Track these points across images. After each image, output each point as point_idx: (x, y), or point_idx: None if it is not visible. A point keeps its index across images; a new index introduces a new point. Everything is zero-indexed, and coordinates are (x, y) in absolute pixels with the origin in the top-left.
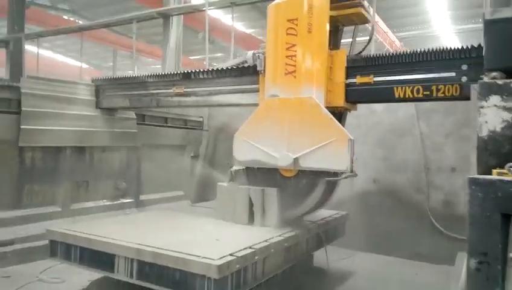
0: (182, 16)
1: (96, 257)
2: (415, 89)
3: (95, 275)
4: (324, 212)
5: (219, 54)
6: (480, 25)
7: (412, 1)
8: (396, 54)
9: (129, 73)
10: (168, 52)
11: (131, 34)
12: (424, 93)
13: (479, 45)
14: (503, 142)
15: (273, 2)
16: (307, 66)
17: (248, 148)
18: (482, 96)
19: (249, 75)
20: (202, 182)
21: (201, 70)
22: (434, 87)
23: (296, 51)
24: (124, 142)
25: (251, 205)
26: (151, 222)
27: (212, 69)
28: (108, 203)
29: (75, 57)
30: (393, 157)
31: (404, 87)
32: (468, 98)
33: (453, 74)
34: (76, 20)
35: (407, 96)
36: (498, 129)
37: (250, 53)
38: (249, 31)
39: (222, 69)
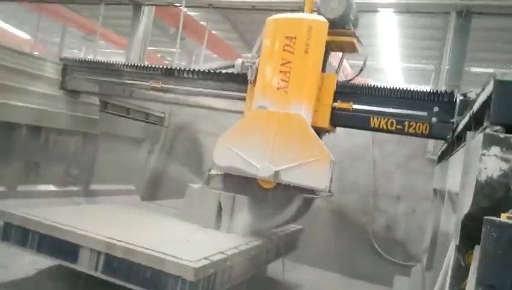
0: (154, 7)
1: (57, 246)
2: (390, 121)
3: (41, 263)
4: None
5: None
6: (425, 66)
7: (366, 33)
8: (377, 86)
9: (76, 53)
10: (134, 42)
11: (87, 14)
12: (397, 127)
13: (452, 91)
14: (498, 188)
15: (273, 17)
16: (299, 84)
17: (229, 155)
18: (484, 145)
19: (235, 82)
20: (154, 180)
21: (186, 69)
22: (406, 123)
23: (290, 68)
24: (83, 127)
25: (220, 210)
26: (117, 215)
27: (199, 70)
28: (56, 189)
29: (15, 24)
30: (346, 179)
31: (379, 118)
32: (435, 138)
33: (425, 114)
34: None
35: (381, 127)
36: (495, 176)
37: (239, 61)
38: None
39: (209, 71)
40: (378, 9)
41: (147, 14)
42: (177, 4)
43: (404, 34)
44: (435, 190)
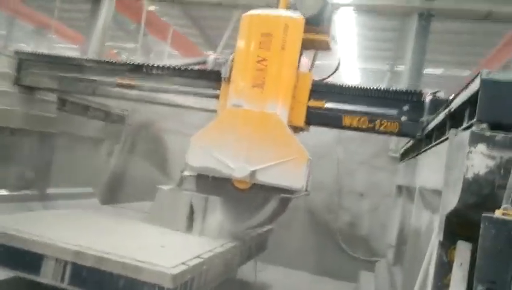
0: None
1: (16, 256)
2: (361, 120)
3: None
4: None
5: (132, 45)
6: (380, 66)
7: None
8: (350, 86)
9: (24, 47)
10: (92, 37)
11: (37, 6)
12: (369, 125)
13: (420, 91)
14: (484, 185)
15: (249, 12)
16: (275, 82)
17: (203, 155)
18: (471, 143)
19: (207, 80)
20: (113, 182)
21: (156, 65)
22: (378, 121)
23: (266, 66)
24: (39, 126)
25: (191, 212)
26: (82, 221)
27: (169, 66)
28: (9, 193)
29: None
30: (313, 177)
31: (351, 117)
32: (405, 136)
33: (395, 112)
34: None
35: (353, 125)
36: (482, 173)
37: (211, 57)
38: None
39: (180, 68)
40: (340, 8)
41: (107, 7)
42: None
43: (363, 35)
44: (399, 187)
